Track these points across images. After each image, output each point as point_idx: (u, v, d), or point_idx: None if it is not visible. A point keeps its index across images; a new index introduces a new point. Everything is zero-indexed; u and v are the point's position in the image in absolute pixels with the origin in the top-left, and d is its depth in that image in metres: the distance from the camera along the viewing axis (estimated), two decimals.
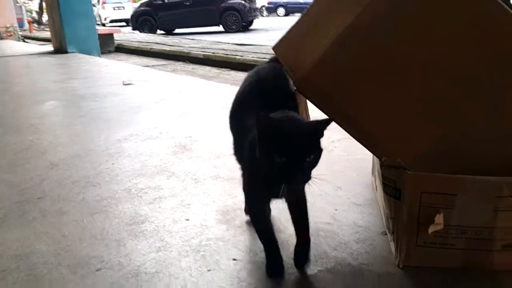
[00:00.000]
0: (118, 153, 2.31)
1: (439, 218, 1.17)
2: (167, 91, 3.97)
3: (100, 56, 6.78)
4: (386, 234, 1.42)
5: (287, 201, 1.22)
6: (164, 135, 2.63)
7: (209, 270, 1.26)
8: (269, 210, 1.31)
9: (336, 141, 2.27)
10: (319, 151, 1.05)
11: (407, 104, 1.21)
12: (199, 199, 1.74)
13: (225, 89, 4.09)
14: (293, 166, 0.99)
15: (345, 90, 1.21)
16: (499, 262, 1.21)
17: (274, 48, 1.43)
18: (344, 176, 1.91)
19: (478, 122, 1.20)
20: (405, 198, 1.20)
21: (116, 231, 1.50)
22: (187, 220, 1.57)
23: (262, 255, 1.28)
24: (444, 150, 1.22)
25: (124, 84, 4.22)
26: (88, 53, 6.73)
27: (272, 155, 0.99)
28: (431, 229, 1.17)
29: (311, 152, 1.02)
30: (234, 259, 1.32)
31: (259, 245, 1.30)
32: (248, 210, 1.37)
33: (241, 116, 1.26)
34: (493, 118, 1.20)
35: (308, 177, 1.04)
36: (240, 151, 1.28)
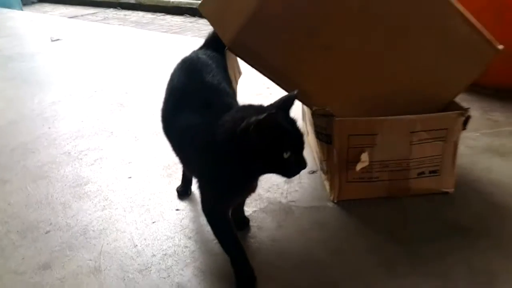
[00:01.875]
0: (53, 116, 2.29)
1: (364, 156, 1.35)
2: (99, 45, 3.83)
3: (22, 9, 6.25)
4: (313, 173, 1.60)
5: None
6: (99, 94, 2.61)
7: (153, 222, 1.37)
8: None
9: (271, 87, 2.38)
10: None
11: (332, 60, 1.32)
12: (140, 156, 1.82)
13: (159, 37, 4.01)
14: (298, 155, 0.98)
15: (274, 48, 1.29)
16: (415, 187, 1.42)
17: (200, 6, 1.46)
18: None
19: (395, 74, 1.36)
20: (335, 142, 1.35)
21: (61, 195, 1.56)
22: (130, 178, 1.65)
23: None
24: (366, 98, 1.38)
25: (52, 41, 4.00)
26: (8, 6, 6.18)
27: (280, 153, 0.95)
28: (358, 166, 1.35)
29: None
30: (177, 209, 1.44)
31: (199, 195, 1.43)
32: (211, 224, 1.15)
33: (180, 119, 1.13)
34: (408, 70, 1.36)
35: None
36: (194, 163, 1.16)
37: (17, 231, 1.36)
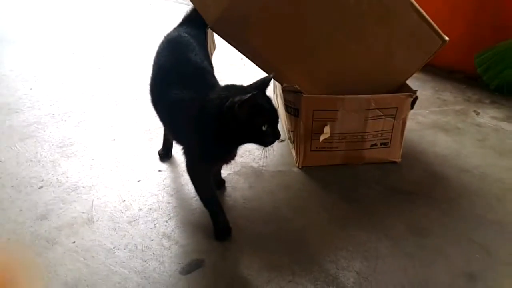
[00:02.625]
0: (33, 77, 2.35)
1: (326, 129, 1.54)
2: (74, 4, 3.80)
3: None
4: (281, 141, 1.79)
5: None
6: (77, 55, 2.67)
7: (139, 181, 1.54)
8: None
9: (245, 59, 2.52)
10: None
11: (301, 45, 1.50)
12: (122, 119, 1.95)
13: (160, 3, 4.00)
14: (274, 128, 1.17)
15: (252, 30, 1.45)
16: (368, 157, 1.65)
17: None
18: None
19: (354, 58, 1.54)
20: (301, 115, 1.54)
21: (49, 154, 1.68)
22: (113, 140, 1.79)
23: (182, 166, 1.57)
24: (330, 78, 1.56)
25: None
26: None
27: (260, 126, 1.13)
28: (321, 138, 1.55)
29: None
30: (160, 170, 1.60)
31: (179, 158, 1.60)
32: (195, 184, 1.31)
33: (169, 95, 1.25)
34: (365, 55, 1.54)
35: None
36: (181, 133, 1.30)
37: (12, 186, 1.49)
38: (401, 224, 1.36)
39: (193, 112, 1.18)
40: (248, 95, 1.07)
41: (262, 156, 1.65)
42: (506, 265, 1.22)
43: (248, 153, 1.71)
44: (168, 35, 1.46)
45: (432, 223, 1.37)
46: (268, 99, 1.19)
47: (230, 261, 1.21)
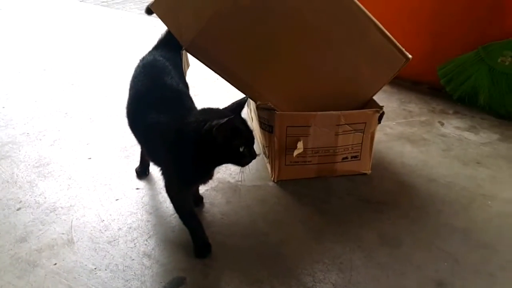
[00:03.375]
0: (5, 95, 2.33)
1: (300, 144, 1.61)
2: (41, 17, 3.75)
3: None
4: (257, 155, 1.84)
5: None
6: (49, 72, 2.65)
7: (117, 200, 1.56)
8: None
9: None
10: None
11: (272, 62, 1.56)
12: (97, 137, 1.96)
13: (101, 11, 4.00)
14: (251, 148, 1.24)
15: (227, 52, 1.51)
16: (340, 169, 1.72)
17: (152, 6, 1.57)
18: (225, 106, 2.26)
19: (324, 77, 1.62)
20: (275, 131, 1.60)
21: (26, 174, 1.68)
22: (90, 158, 1.80)
23: (160, 183, 1.60)
24: (301, 96, 1.63)
25: None
26: None
27: (237, 148, 1.19)
28: (295, 153, 1.61)
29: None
30: (137, 188, 1.63)
31: (156, 175, 1.63)
32: (174, 204, 1.35)
33: (147, 118, 1.28)
34: (332, 74, 1.63)
35: None
36: (159, 155, 1.34)
37: None
38: (373, 234, 1.43)
39: (171, 135, 1.22)
40: (226, 119, 1.12)
41: (239, 171, 1.70)
42: (473, 272, 1.30)
43: (225, 169, 1.75)
44: (143, 58, 1.50)
45: (402, 232, 1.45)
46: (244, 121, 1.25)
47: (211, 278, 1.25)
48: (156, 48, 1.59)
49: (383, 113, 1.63)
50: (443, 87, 2.44)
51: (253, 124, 2.00)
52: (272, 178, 1.70)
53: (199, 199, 1.55)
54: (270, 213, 1.52)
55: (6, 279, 1.20)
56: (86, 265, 1.27)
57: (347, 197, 1.62)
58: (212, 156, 1.20)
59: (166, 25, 1.54)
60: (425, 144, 1.99)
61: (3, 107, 2.18)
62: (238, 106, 1.27)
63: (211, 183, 1.66)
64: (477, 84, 2.30)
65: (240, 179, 1.69)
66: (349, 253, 1.35)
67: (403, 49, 1.63)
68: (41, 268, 1.24)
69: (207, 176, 1.32)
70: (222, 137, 1.16)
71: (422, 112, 2.31)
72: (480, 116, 2.27)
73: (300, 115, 1.59)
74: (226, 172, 1.73)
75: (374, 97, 1.73)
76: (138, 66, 1.47)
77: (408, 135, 2.07)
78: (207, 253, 1.32)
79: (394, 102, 2.39)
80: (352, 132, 1.63)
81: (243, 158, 1.23)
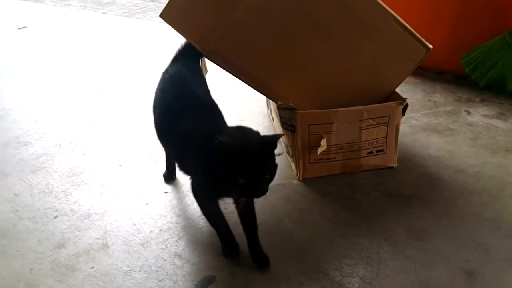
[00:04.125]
0: (37, 109, 2.43)
1: (323, 142, 1.62)
2: (65, 33, 3.89)
3: None
4: (279, 155, 1.86)
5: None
6: (76, 84, 2.75)
7: (147, 204, 1.61)
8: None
9: None
10: (275, 167, 1.14)
11: (292, 62, 1.58)
12: (126, 145, 2.02)
13: (122, 22, 4.10)
14: (253, 185, 1.09)
15: (245, 55, 1.53)
16: (365, 164, 1.72)
17: (162, 15, 1.57)
18: (246, 108, 2.29)
19: (344, 73, 1.63)
20: (298, 131, 1.61)
21: (60, 184, 1.76)
22: (120, 166, 1.87)
23: (186, 186, 1.65)
24: (323, 93, 1.64)
25: (18, 29, 4.02)
26: None
27: (235, 176, 1.07)
28: (319, 150, 1.62)
29: (268, 172, 1.11)
30: (166, 192, 1.68)
31: (182, 179, 1.68)
32: (201, 207, 1.35)
33: (175, 129, 1.30)
34: (353, 69, 1.63)
35: (266, 191, 1.12)
36: (188, 165, 1.35)
37: (28, 218, 1.56)
38: (400, 228, 1.43)
39: (199, 146, 1.20)
40: (226, 140, 1.08)
41: None
42: (504, 260, 1.28)
43: None
44: (167, 71, 1.53)
45: (430, 224, 1.44)
46: (265, 153, 1.11)
47: (240, 276, 1.28)
48: (175, 59, 1.61)
49: (407, 105, 1.62)
50: (468, 75, 2.39)
51: (275, 125, 2.02)
52: (297, 177, 1.71)
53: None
54: (295, 211, 1.54)
55: (48, 283, 1.27)
56: (121, 267, 1.32)
57: (373, 192, 1.62)
58: (222, 174, 1.10)
59: (179, 33, 1.56)
60: (452, 134, 1.96)
61: (36, 121, 2.29)
62: (271, 139, 1.15)
63: None
64: (504, 70, 2.25)
65: None
66: (376, 247, 1.35)
67: (423, 40, 1.61)
68: (79, 272, 1.31)
69: (228, 191, 1.24)
70: (223, 161, 1.08)
71: (447, 101, 2.28)
72: (509, 102, 2.21)
73: (322, 112, 1.60)
74: None
75: (397, 89, 1.72)
76: (164, 78, 1.49)
77: (434, 126, 2.04)
78: (235, 253, 1.34)
79: (418, 93, 2.36)
80: (376, 126, 1.63)
81: (241, 190, 1.11)
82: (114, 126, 2.21)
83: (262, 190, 1.11)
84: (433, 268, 1.27)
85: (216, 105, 1.40)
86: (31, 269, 1.33)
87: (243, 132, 1.18)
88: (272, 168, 1.13)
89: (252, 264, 1.31)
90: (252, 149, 1.09)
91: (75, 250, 1.40)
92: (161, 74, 1.54)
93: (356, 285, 1.22)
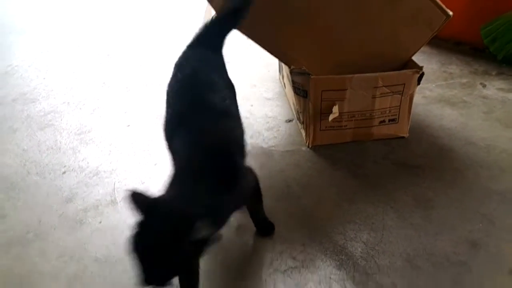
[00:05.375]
0: (45, 66, 2.41)
1: (335, 108, 1.59)
2: None
3: None
4: (289, 121, 1.84)
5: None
6: (85, 44, 2.71)
7: (155, 164, 1.61)
8: None
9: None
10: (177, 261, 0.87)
11: (309, 25, 1.53)
12: (134, 106, 2.01)
13: None
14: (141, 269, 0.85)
15: (261, 16, 1.46)
16: (377, 133, 1.69)
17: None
18: (258, 73, 2.26)
19: (360, 38, 1.58)
20: (310, 96, 1.58)
21: (68, 141, 1.76)
22: (128, 126, 1.86)
23: None
24: (336, 58, 1.60)
25: None
26: None
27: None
28: (330, 117, 1.59)
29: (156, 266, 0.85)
30: None
31: None
32: None
33: (185, 148, 1.07)
34: (371, 35, 1.58)
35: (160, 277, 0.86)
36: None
37: (37, 173, 1.58)
38: (407, 196, 1.42)
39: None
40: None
41: (271, 136, 1.72)
42: (508, 232, 1.27)
43: (258, 134, 1.77)
44: (182, 66, 1.25)
45: (438, 195, 1.43)
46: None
47: (246, 237, 1.29)
48: (193, 46, 1.35)
49: (422, 74, 1.58)
50: (487, 47, 2.32)
51: (286, 91, 1.99)
52: (307, 144, 1.70)
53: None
54: (304, 177, 1.53)
55: (56, 235, 1.29)
56: (129, 222, 1.33)
57: (383, 161, 1.60)
58: None
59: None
60: (466, 107, 1.92)
61: (44, 79, 2.27)
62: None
63: None
64: None
65: (273, 144, 1.70)
66: (381, 214, 1.35)
67: (443, 6, 1.55)
68: (87, 225, 1.33)
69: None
70: None
71: (463, 73, 2.22)
72: None
73: (336, 78, 1.56)
74: (259, 138, 1.75)
75: (413, 59, 1.67)
76: (177, 79, 1.22)
77: (448, 98, 2.00)
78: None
79: (434, 63, 2.30)
80: (390, 94, 1.59)
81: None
82: (122, 86, 2.20)
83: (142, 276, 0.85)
84: (437, 236, 1.26)
85: (232, 113, 1.19)
86: (40, 221, 1.35)
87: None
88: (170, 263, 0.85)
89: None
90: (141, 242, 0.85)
91: (83, 205, 1.41)
92: (176, 64, 1.28)
93: (359, 249, 1.23)
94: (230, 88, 1.31)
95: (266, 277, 1.16)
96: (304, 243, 1.25)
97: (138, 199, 0.88)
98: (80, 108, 2.01)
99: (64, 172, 1.57)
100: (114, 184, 1.50)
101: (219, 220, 0.98)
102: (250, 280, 1.17)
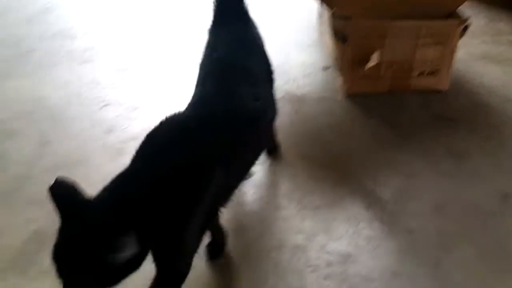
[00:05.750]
0: (84, 3, 2.43)
1: (374, 57, 1.55)
2: None
3: None
4: (326, 69, 1.82)
5: None
6: None
7: None
8: None
9: None
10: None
11: None
12: (174, 45, 2.02)
13: None
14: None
15: None
16: (415, 85, 1.66)
17: None
18: (296, 20, 2.21)
19: None
20: (349, 42, 1.55)
21: (108, 77, 1.80)
22: (166, 64, 1.88)
23: None
24: (378, 3, 1.54)
25: None
26: None
27: None
28: (368, 65, 1.56)
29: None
30: None
31: None
32: None
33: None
34: None
35: None
36: None
37: (78, 105, 1.64)
38: (440, 147, 1.41)
39: None
40: None
41: (307, 83, 1.71)
42: None
43: (293, 81, 1.76)
44: (212, 46, 1.13)
45: (471, 147, 1.41)
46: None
47: (280, 173, 1.33)
48: (218, 22, 1.20)
49: (467, 26, 1.52)
50: None
51: (325, 37, 1.95)
52: (342, 92, 1.68)
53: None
54: (337, 124, 1.54)
55: (98, 161, 1.37)
56: None
57: (419, 113, 1.58)
58: None
59: None
60: (510, 65, 1.85)
61: (83, 16, 2.30)
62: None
63: (277, 95, 1.67)
64: None
65: (307, 91, 1.70)
66: (413, 163, 1.35)
67: None
68: (128, 154, 1.35)
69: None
70: None
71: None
72: None
73: (377, 24, 1.52)
74: (294, 84, 1.74)
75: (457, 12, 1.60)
76: (210, 60, 1.09)
77: (493, 55, 1.92)
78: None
79: (481, 19, 2.20)
80: (432, 45, 1.55)
81: None
82: (161, 26, 2.19)
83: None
84: (468, 187, 1.27)
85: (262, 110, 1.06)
86: (82, 149, 1.43)
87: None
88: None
89: (290, 164, 1.35)
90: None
91: (123, 136, 1.47)
92: (207, 43, 1.15)
93: (389, 194, 1.25)
94: (265, 66, 1.20)
95: (295, 212, 1.20)
96: (334, 185, 1.28)
97: (63, 195, 0.76)
98: (119, 46, 2.03)
99: (104, 106, 1.63)
100: (152, 120, 1.54)
101: (169, 229, 0.81)
102: (280, 211, 1.22)
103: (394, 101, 1.64)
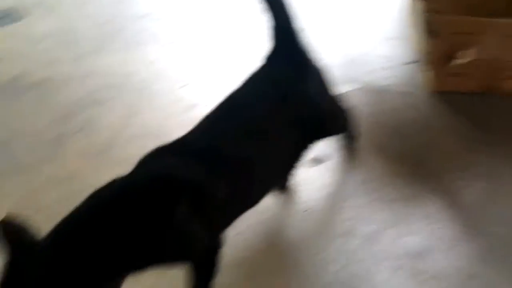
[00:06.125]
0: None
1: (466, 54, 1.47)
2: None
3: None
4: (409, 63, 1.75)
5: None
6: None
7: None
8: None
9: None
10: None
11: None
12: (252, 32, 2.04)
13: None
14: None
15: None
16: (507, 87, 1.54)
17: None
18: (382, 12, 2.14)
19: None
20: (440, 37, 1.48)
21: (192, 58, 1.87)
22: (248, 47, 1.91)
23: None
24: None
25: None
26: None
27: None
28: (457, 62, 1.48)
29: None
30: None
31: None
32: None
33: None
34: None
35: None
36: None
37: (162, 82, 1.73)
38: None
39: None
40: None
41: (391, 75, 1.67)
42: None
43: (374, 73, 1.71)
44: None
45: None
46: None
47: (356, 162, 1.31)
48: (271, 62, 1.07)
49: None
50: None
51: (412, 31, 1.87)
52: (428, 87, 1.60)
53: None
54: (419, 119, 1.48)
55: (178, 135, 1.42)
56: None
57: (509, 116, 1.47)
58: None
59: None
60: None
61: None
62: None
63: (357, 85, 1.64)
64: None
65: (390, 83, 1.64)
66: (500, 167, 1.28)
67: None
68: None
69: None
70: None
71: None
72: None
73: (470, 20, 1.43)
74: (375, 76, 1.69)
75: None
76: (235, 97, 1.04)
77: None
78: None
79: None
80: None
81: None
82: (242, 14, 2.21)
83: None
84: None
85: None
86: (163, 123, 1.51)
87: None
88: None
89: (367, 155, 1.33)
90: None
91: (203, 113, 1.51)
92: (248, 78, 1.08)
93: (472, 196, 1.19)
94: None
95: (368, 202, 1.18)
96: (412, 180, 1.24)
97: (12, 231, 0.71)
98: (203, 29, 2.08)
99: (184, 85, 1.70)
100: None
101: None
102: (352, 199, 1.21)
103: (484, 103, 1.54)
